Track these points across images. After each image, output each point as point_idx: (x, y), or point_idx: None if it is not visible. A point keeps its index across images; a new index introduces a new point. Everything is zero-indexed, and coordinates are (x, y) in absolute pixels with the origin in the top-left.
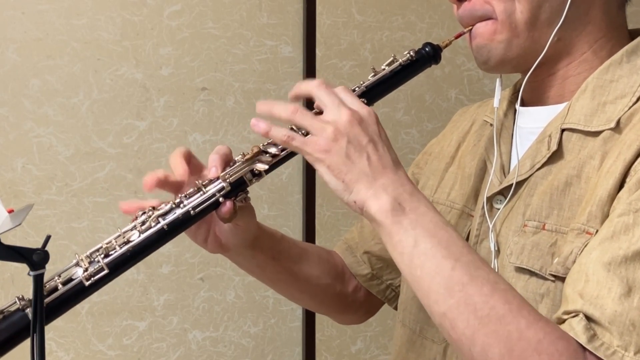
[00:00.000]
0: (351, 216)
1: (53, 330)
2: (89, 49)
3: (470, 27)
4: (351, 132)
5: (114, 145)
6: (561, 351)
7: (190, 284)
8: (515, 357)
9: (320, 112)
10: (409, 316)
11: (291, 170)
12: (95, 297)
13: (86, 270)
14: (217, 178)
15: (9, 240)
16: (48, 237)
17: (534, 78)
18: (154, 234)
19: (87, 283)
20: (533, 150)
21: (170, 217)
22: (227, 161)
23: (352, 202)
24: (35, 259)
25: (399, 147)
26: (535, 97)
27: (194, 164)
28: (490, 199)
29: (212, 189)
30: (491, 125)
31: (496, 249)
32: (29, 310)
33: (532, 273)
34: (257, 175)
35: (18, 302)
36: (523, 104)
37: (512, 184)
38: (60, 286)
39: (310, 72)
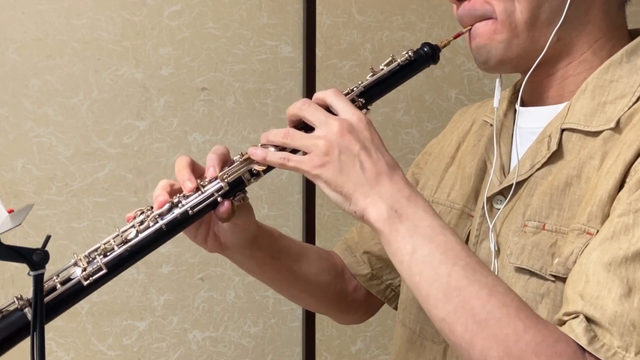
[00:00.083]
0: (351, 216)
1: (53, 330)
2: (89, 49)
3: (469, 27)
4: (342, 142)
5: (114, 145)
6: (560, 353)
7: (190, 284)
8: None
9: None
10: (408, 316)
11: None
12: (95, 297)
13: (84, 269)
14: (216, 178)
15: (9, 240)
16: (48, 237)
17: (533, 78)
18: (152, 234)
19: (85, 283)
20: (533, 150)
21: (168, 217)
22: (225, 161)
23: (353, 212)
24: (35, 259)
25: (399, 147)
26: (535, 97)
27: (196, 172)
28: (490, 199)
29: (210, 188)
30: (491, 125)
31: (496, 249)
32: (27, 310)
33: (532, 273)
34: (256, 175)
35: (17, 301)
36: (523, 104)
37: (512, 184)
38: (58, 286)
39: (310, 72)
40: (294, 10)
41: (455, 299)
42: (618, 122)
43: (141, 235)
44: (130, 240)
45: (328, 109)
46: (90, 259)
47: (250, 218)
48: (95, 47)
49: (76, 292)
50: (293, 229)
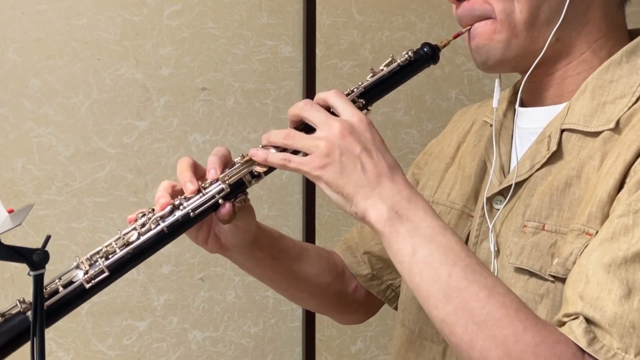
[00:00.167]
0: (351, 216)
1: (53, 331)
2: (89, 49)
3: (469, 27)
4: (343, 143)
5: (114, 145)
6: (559, 355)
7: (190, 284)
8: None
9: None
10: (408, 316)
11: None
12: (95, 297)
13: (87, 272)
14: (217, 180)
15: (9, 240)
16: (48, 237)
17: (532, 78)
18: (154, 236)
19: (87, 285)
20: (532, 150)
21: (170, 220)
22: (226, 162)
23: (354, 213)
24: (35, 259)
25: (399, 147)
26: (534, 97)
27: (198, 173)
28: (490, 200)
29: (211, 190)
30: (491, 125)
31: (496, 249)
32: (30, 313)
33: (531, 274)
34: (257, 176)
35: (19, 304)
36: (522, 105)
37: (511, 185)
38: (61, 289)
39: (310, 72)
40: (294, 10)
41: (455, 299)
42: (618, 123)
43: (143, 238)
44: (132, 243)
45: (329, 109)
46: (92, 262)
47: (251, 219)
48: (95, 47)
49: (78, 295)
50: (293, 229)
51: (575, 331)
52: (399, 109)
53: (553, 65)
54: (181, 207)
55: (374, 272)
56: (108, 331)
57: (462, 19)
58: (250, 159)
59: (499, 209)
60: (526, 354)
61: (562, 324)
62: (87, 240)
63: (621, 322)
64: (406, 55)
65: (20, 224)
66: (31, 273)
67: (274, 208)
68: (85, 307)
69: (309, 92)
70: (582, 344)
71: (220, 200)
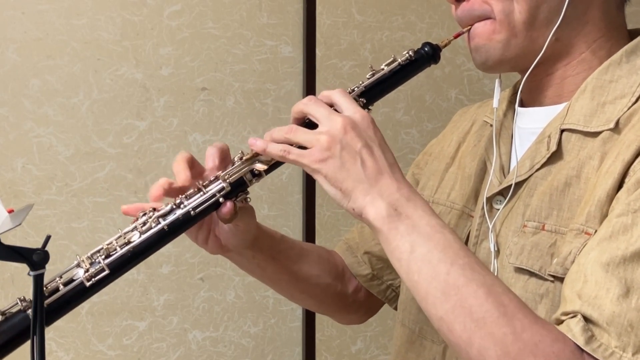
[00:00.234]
0: (351, 216)
1: (53, 330)
2: (89, 49)
3: (469, 27)
4: (344, 138)
5: (114, 145)
6: (557, 353)
7: (190, 284)
8: None
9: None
10: (408, 316)
11: (291, 171)
12: (95, 297)
13: (87, 271)
14: (217, 178)
15: (9, 240)
16: (48, 237)
17: (532, 78)
18: (154, 235)
19: (88, 284)
20: (532, 150)
21: (170, 218)
22: (224, 156)
23: (351, 210)
24: (35, 259)
25: (399, 147)
26: (533, 97)
27: (196, 169)
28: (490, 200)
29: (212, 189)
30: (491, 125)
31: (496, 249)
32: (30, 311)
33: (531, 273)
34: (257, 175)
35: (20, 303)
36: (522, 105)
37: (511, 185)
38: (61, 287)
39: (310, 72)
40: (294, 10)
41: (454, 297)
42: (617, 123)
43: (143, 237)
44: (132, 242)
45: (333, 107)
46: (93, 260)
47: (251, 220)
48: (95, 47)
49: (79, 293)
50: (293, 229)
51: (574, 329)
52: (399, 109)
53: (552, 65)
54: (182, 206)
55: (374, 272)
56: (108, 331)
57: (461, 19)
58: (251, 158)
59: (499, 209)
60: (524, 352)
61: (560, 322)
62: (87, 240)
63: (619, 320)
64: (407, 55)
65: (20, 224)
66: (31, 273)
67: (274, 208)
68: (85, 307)
69: (309, 92)
70: (580, 342)
71: (221, 199)
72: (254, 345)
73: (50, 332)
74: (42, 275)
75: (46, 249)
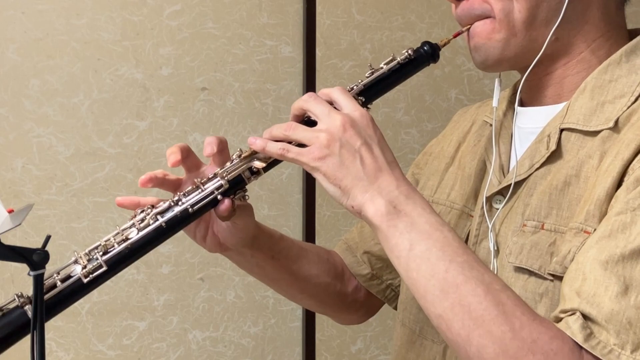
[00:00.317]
0: (351, 216)
1: (53, 330)
2: (89, 49)
3: (469, 26)
4: (343, 136)
5: (114, 145)
6: (556, 351)
7: (190, 284)
8: (510, 357)
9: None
10: (408, 316)
11: (291, 171)
12: (95, 297)
13: (85, 267)
14: (215, 176)
15: (9, 240)
16: (48, 237)
17: (531, 77)
18: (152, 232)
19: (85, 280)
20: (532, 150)
21: (168, 215)
22: (224, 146)
23: (350, 207)
24: (35, 259)
25: (399, 147)
26: (533, 97)
27: (192, 161)
28: (489, 199)
29: (210, 186)
30: (491, 125)
31: (495, 248)
32: (27, 308)
33: (531, 273)
34: (255, 173)
35: (17, 299)
36: (522, 104)
37: (511, 184)
38: (59, 283)
39: (310, 72)
40: (294, 10)
41: (452, 295)
42: (617, 122)
43: (141, 233)
44: (130, 238)
45: (332, 105)
46: (91, 257)
47: (249, 218)
48: (95, 47)
49: (76, 290)
50: (293, 229)
51: (572, 327)
52: (399, 109)
53: (552, 65)
54: (180, 203)
55: (373, 272)
56: (108, 331)
57: (461, 18)
58: (249, 155)
59: (498, 209)
60: (523, 350)
61: (559, 319)
62: (87, 240)
63: (618, 318)
64: (406, 54)
65: (20, 224)
66: (31, 273)
67: (274, 208)
68: (85, 307)
69: (309, 92)
70: (579, 339)
71: (219, 197)
72: (254, 345)
73: (50, 332)
74: (42, 275)
75: (46, 249)
